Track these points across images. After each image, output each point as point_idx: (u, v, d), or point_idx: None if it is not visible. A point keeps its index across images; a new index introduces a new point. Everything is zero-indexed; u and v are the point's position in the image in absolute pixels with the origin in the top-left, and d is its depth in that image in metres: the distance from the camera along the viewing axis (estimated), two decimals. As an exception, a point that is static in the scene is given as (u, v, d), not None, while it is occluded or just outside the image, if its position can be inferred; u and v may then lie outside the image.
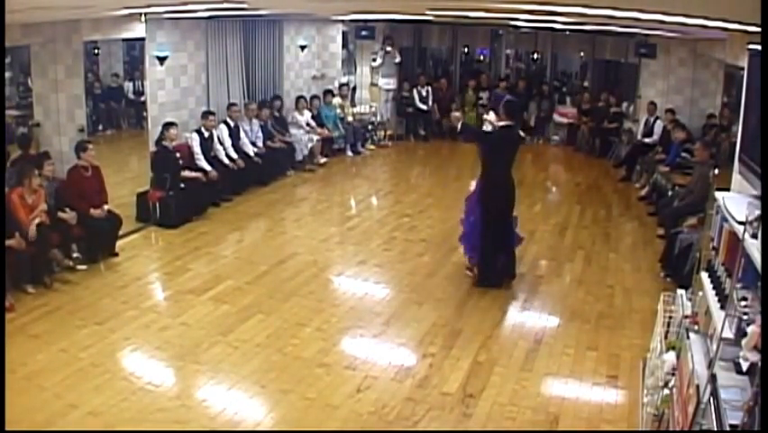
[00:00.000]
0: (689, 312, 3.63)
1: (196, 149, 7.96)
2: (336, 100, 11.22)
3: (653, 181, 8.72)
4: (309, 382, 4.37)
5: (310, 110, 10.50)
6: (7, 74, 7.23)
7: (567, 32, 12.21)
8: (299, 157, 10.04)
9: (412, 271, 6.30)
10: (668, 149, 8.91)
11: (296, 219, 8.04)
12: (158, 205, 7.35)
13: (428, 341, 4.96)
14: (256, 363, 4.60)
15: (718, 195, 3.36)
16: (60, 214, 5.89)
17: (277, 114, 9.92)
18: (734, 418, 2.35)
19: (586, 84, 13.15)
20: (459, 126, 5.97)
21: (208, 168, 7.93)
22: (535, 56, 13.92)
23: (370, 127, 11.91)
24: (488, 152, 5.82)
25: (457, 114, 6.17)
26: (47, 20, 6.00)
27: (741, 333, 2.53)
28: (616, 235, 7.64)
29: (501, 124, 5.74)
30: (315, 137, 10.28)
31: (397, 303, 5.65)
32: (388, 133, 12.31)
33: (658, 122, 9.85)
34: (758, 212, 2.66)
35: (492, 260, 5.90)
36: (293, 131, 10.09)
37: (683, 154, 8.30)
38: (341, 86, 11.70)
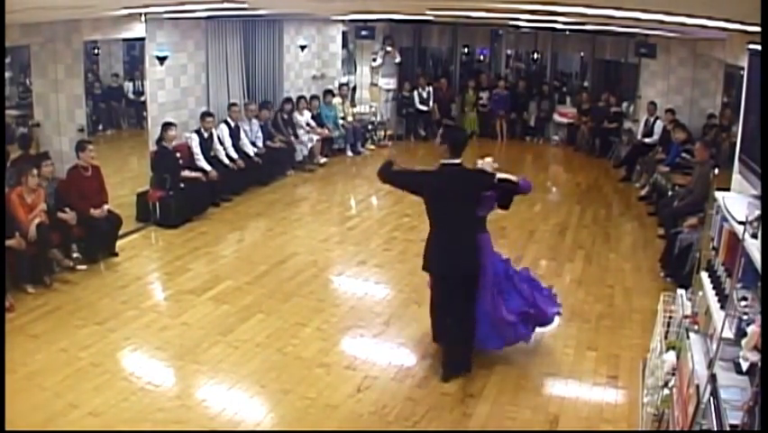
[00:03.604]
0: (689, 312, 3.64)
1: (196, 149, 7.96)
2: (336, 100, 11.22)
3: (653, 181, 8.71)
4: (309, 382, 4.37)
5: (310, 110, 10.50)
6: (7, 74, 7.21)
7: (567, 32, 12.20)
8: (299, 157, 10.04)
9: (412, 271, 6.27)
10: (668, 149, 8.90)
11: (296, 219, 8.03)
12: (158, 205, 7.35)
13: (428, 341, 4.94)
14: (256, 363, 4.60)
15: (718, 195, 3.36)
16: (60, 214, 5.89)
17: (286, 116, 9.92)
18: (734, 418, 2.36)
19: (586, 84, 13.15)
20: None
21: (208, 168, 7.93)
22: (535, 56, 13.91)
23: (370, 127, 11.90)
24: (430, 199, 4.28)
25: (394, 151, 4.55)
26: (47, 20, 6.00)
27: (741, 333, 2.53)
28: (616, 235, 7.64)
29: (444, 161, 4.21)
30: (315, 137, 10.28)
31: (397, 303, 5.65)
32: (388, 133, 12.30)
33: (658, 122, 9.85)
34: (758, 212, 2.66)
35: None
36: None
37: (683, 154, 8.29)
38: (341, 86, 11.69)
